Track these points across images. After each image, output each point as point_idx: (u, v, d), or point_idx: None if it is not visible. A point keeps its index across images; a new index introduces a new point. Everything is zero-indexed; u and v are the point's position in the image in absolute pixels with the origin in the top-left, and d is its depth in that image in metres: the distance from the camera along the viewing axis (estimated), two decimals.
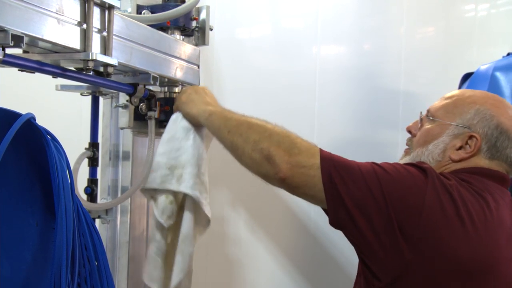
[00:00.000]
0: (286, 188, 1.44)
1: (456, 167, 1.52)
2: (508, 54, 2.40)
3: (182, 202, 1.68)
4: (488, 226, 1.37)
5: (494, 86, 2.22)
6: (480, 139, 1.49)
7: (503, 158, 1.51)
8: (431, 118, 1.57)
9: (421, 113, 1.64)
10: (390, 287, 1.38)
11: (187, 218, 1.65)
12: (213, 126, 1.58)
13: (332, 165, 1.38)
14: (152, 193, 1.66)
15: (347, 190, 1.36)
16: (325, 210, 1.43)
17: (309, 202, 1.47)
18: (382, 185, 1.35)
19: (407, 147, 1.65)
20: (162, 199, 1.64)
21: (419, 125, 1.62)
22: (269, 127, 1.49)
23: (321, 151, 1.43)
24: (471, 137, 1.50)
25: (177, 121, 1.66)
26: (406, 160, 1.59)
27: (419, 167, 1.41)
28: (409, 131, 1.65)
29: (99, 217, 1.87)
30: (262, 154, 1.43)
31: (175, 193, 1.66)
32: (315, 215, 2.64)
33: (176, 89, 1.85)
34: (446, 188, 1.36)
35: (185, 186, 1.62)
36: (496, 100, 1.55)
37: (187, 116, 1.65)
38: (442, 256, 1.33)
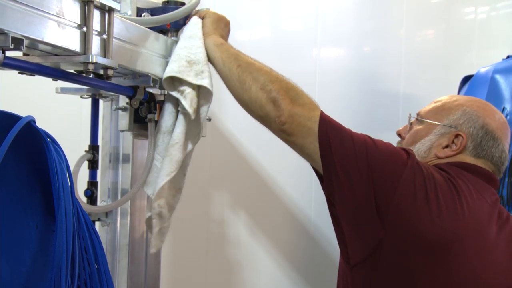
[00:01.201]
0: (283, 133, 1.51)
1: (440, 161, 1.57)
2: (508, 57, 2.40)
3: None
4: (455, 211, 1.42)
5: (493, 88, 2.23)
6: (466, 138, 1.55)
7: (488, 157, 1.56)
8: (419, 119, 1.64)
9: (410, 116, 1.70)
10: (365, 262, 1.43)
11: (181, 122, 1.64)
12: (222, 54, 1.61)
13: (329, 125, 1.47)
14: (176, 85, 1.62)
15: (337, 151, 1.43)
16: (319, 175, 1.50)
17: (301, 156, 1.54)
18: (368, 156, 1.41)
19: None
20: (189, 90, 1.61)
21: (409, 128, 1.67)
22: (280, 75, 1.56)
23: (323, 112, 1.51)
24: (457, 135, 1.56)
25: (198, 24, 1.68)
26: None
27: (405, 149, 1.48)
28: (399, 135, 1.71)
29: (99, 219, 1.87)
30: (270, 95, 1.50)
31: (195, 88, 1.63)
32: (315, 217, 2.65)
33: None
34: (422, 172, 1.42)
35: (207, 82, 1.60)
36: (482, 103, 1.62)
37: (204, 29, 1.67)
38: (409, 234, 1.39)
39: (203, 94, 1.64)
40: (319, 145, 1.45)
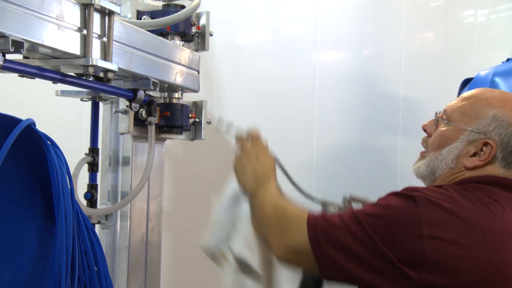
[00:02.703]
0: (288, 265, 1.51)
1: (469, 175, 1.47)
2: (508, 60, 2.40)
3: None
4: (495, 239, 1.32)
5: None
6: (495, 147, 1.44)
7: None
8: (446, 122, 1.53)
9: (436, 112, 1.59)
10: None
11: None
12: (249, 203, 1.64)
13: (320, 234, 1.37)
14: (218, 252, 1.70)
15: (340, 256, 1.34)
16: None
17: None
18: (371, 232, 1.32)
19: (423, 149, 1.60)
20: (230, 255, 1.69)
21: (435, 125, 1.57)
22: (274, 207, 1.53)
23: (308, 219, 1.41)
24: (486, 144, 1.44)
25: (235, 183, 1.70)
26: (421, 164, 1.55)
27: (407, 195, 1.36)
28: (425, 130, 1.60)
29: (99, 222, 1.87)
30: (264, 237, 1.54)
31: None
32: None
33: (176, 95, 1.85)
34: (443, 208, 1.32)
35: (237, 249, 1.66)
36: None
37: (238, 184, 1.68)
38: (451, 277, 1.29)
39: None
40: (317, 263, 1.37)
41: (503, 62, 2.40)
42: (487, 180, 1.44)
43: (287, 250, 1.44)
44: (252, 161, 1.66)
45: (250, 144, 1.68)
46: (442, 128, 1.53)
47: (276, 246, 1.46)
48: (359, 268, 1.33)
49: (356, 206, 1.77)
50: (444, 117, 1.54)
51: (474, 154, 1.46)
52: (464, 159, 1.47)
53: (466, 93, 1.56)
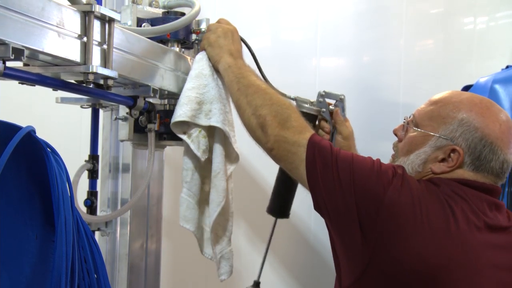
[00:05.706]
0: (273, 158, 1.52)
1: (437, 176, 1.48)
2: (507, 67, 2.40)
3: (210, 139, 1.72)
4: (448, 234, 1.34)
5: (493, 98, 2.22)
6: (462, 153, 1.44)
7: (488, 170, 1.45)
8: (414, 128, 1.54)
9: (405, 117, 1.61)
10: (355, 285, 1.38)
11: (217, 153, 1.69)
12: (228, 78, 1.64)
13: (317, 149, 1.42)
14: (184, 128, 1.68)
15: (323, 177, 1.39)
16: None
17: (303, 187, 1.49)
18: (354, 182, 1.36)
19: (393, 152, 1.63)
20: (196, 133, 1.68)
21: (404, 130, 1.59)
22: (274, 96, 1.55)
23: (314, 135, 1.46)
24: (453, 150, 1.45)
25: (203, 59, 1.71)
26: None
27: (394, 167, 1.41)
28: (395, 134, 1.62)
29: (98, 229, 1.87)
30: (259, 120, 1.51)
31: (205, 128, 1.69)
32: (315, 227, 2.64)
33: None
34: (410, 192, 1.35)
35: (215, 121, 1.65)
36: (483, 107, 1.48)
37: (210, 59, 1.70)
38: (391, 260, 1.32)
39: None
40: (306, 171, 1.41)
41: (502, 69, 2.40)
42: (459, 181, 1.45)
43: (282, 139, 1.47)
44: (227, 36, 1.71)
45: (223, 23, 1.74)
46: (411, 133, 1.55)
47: (274, 132, 1.48)
48: (332, 208, 1.38)
49: (330, 101, 1.85)
50: (413, 121, 1.55)
51: (443, 160, 1.47)
52: (432, 164, 1.48)
53: (435, 96, 1.57)
